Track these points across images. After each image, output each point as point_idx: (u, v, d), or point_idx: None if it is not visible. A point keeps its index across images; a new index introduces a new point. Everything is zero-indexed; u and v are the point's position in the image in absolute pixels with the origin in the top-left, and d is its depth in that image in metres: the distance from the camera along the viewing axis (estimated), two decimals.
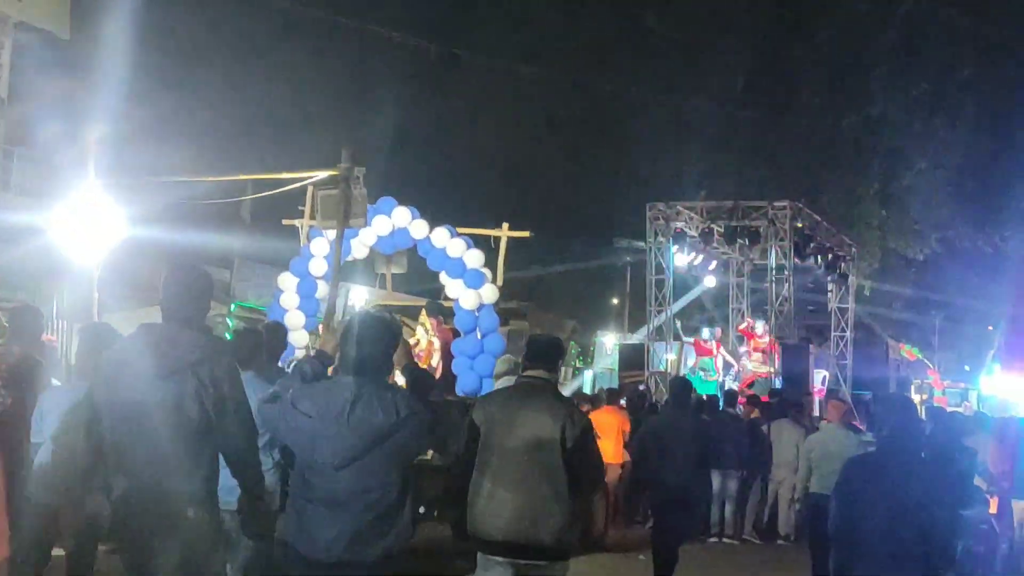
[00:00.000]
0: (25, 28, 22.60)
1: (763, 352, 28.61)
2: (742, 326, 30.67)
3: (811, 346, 30.60)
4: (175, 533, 6.03)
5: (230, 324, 24.45)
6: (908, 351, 42.86)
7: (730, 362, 28.79)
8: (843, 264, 33.28)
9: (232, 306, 27.22)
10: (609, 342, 35.14)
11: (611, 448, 16.10)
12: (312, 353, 6.66)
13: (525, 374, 7.89)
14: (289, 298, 18.83)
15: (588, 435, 7.66)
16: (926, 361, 45.27)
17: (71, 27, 22.86)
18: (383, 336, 6.20)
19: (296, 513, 6.11)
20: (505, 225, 19.50)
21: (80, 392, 7.18)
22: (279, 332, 10.83)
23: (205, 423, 6.13)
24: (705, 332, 29.47)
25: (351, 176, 16.28)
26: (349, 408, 5.96)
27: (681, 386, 13.06)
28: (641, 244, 30.72)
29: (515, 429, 7.51)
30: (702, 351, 28.61)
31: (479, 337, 18.06)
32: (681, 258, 30.13)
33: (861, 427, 17.13)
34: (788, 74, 38.43)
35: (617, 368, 30.89)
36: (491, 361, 17.41)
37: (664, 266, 30.21)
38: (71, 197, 16.67)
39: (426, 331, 18.40)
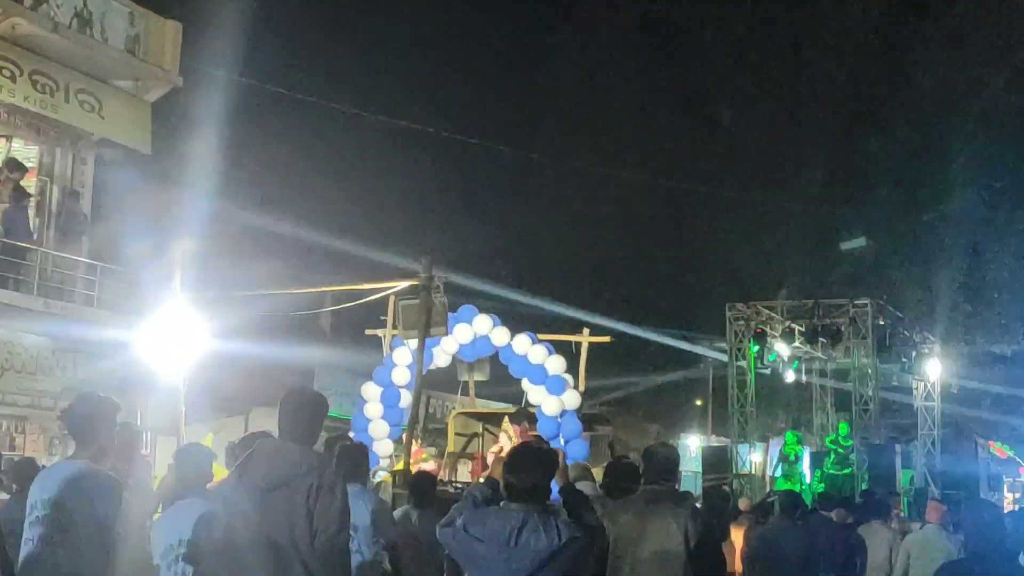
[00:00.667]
0: (107, 144, 23.26)
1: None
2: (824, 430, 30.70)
3: (897, 445, 30.42)
4: None
5: None
6: (999, 448, 42.36)
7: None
8: (928, 361, 33.11)
9: None
10: (693, 444, 35.16)
11: None
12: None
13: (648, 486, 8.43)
14: (373, 407, 19.15)
15: (710, 534, 8.27)
16: (1017, 459, 44.68)
17: (153, 142, 23.48)
18: (544, 465, 6.60)
19: None
20: (586, 331, 19.80)
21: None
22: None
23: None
24: (789, 436, 29.45)
25: (431, 285, 16.73)
26: (516, 534, 6.37)
27: (790, 499, 13.20)
28: (723, 344, 30.76)
29: (644, 541, 8.08)
30: (784, 456, 28.60)
31: (562, 443, 18.22)
32: (763, 358, 30.20)
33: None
34: (866, 169, 38.70)
35: (701, 471, 30.85)
36: None
37: (746, 367, 30.26)
38: (158, 311, 17.18)
39: (509, 438, 18.61)
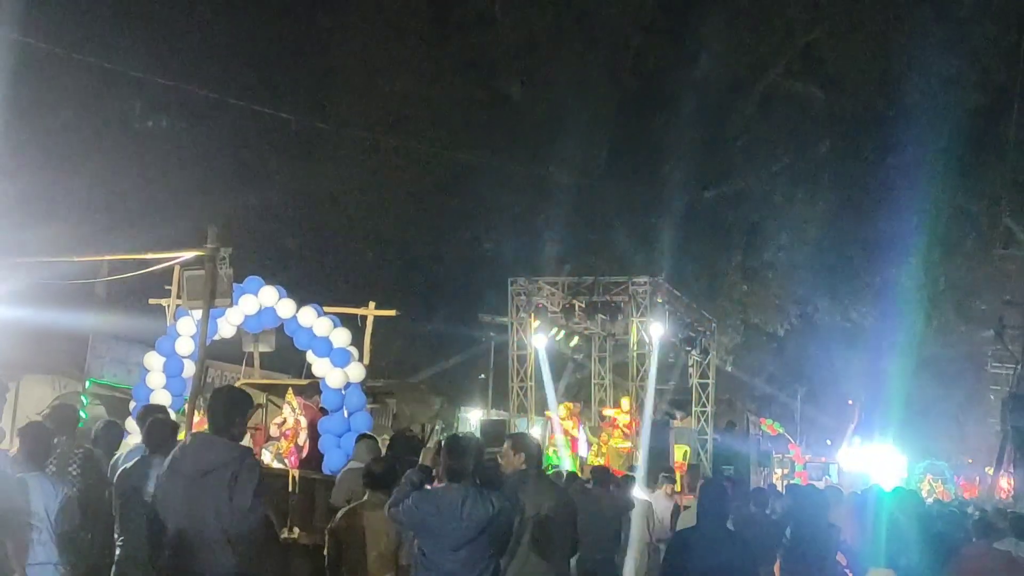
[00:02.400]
0: None
1: (625, 428, 29.66)
2: (609, 412, 31.83)
3: (672, 421, 31.72)
4: None
5: (84, 401, 24.73)
6: (769, 426, 44.31)
7: (590, 439, 29.78)
8: (703, 339, 34.50)
9: (87, 383, 27.47)
10: (473, 418, 35.96)
11: None
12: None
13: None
14: (155, 377, 19.37)
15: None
16: (787, 436, 46.80)
17: None
18: (475, 453, 9.10)
19: None
20: (371, 304, 20.35)
21: None
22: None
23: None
24: (562, 410, 30.46)
25: (217, 256, 17.07)
26: (462, 506, 8.66)
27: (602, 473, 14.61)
28: (504, 319, 31.57)
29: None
30: (560, 427, 29.55)
31: (346, 415, 18.80)
32: (542, 335, 31.10)
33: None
34: (650, 147, 39.95)
35: None
36: None
37: (526, 341, 31.16)
38: None
39: (293, 409, 19.13)
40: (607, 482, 17.68)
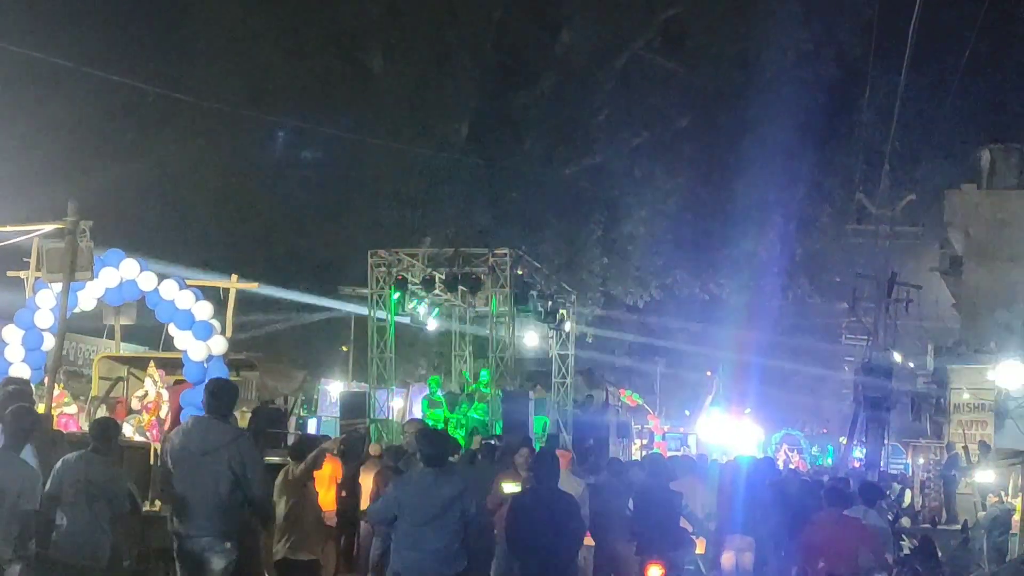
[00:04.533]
0: None
1: (487, 401, 30.32)
2: (464, 373, 32.45)
3: (531, 393, 32.40)
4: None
5: None
6: (629, 397, 45.26)
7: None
8: (563, 311, 35.18)
9: None
10: (334, 390, 36.33)
11: (325, 495, 16.88)
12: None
13: None
14: (14, 351, 19.57)
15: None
16: (646, 407, 47.82)
17: None
18: (447, 442, 12.30)
19: (400, 555, 11.05)
20: (234, 276, 20.73)
21: None
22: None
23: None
24: (432, 382, 31.00)
25: (77, 229, 17.34)
26: (433, 487, 10.89)
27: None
28: (365, 291, 31.92)
29: None
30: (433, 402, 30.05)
31: None
32: (402, 305, 31.56)
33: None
34: (512, 121, 40.52)
35: (339, 415, 31.90)
36: None
37: (385, 313, 31.58)
38: None
39: (154, 383, 19.50)
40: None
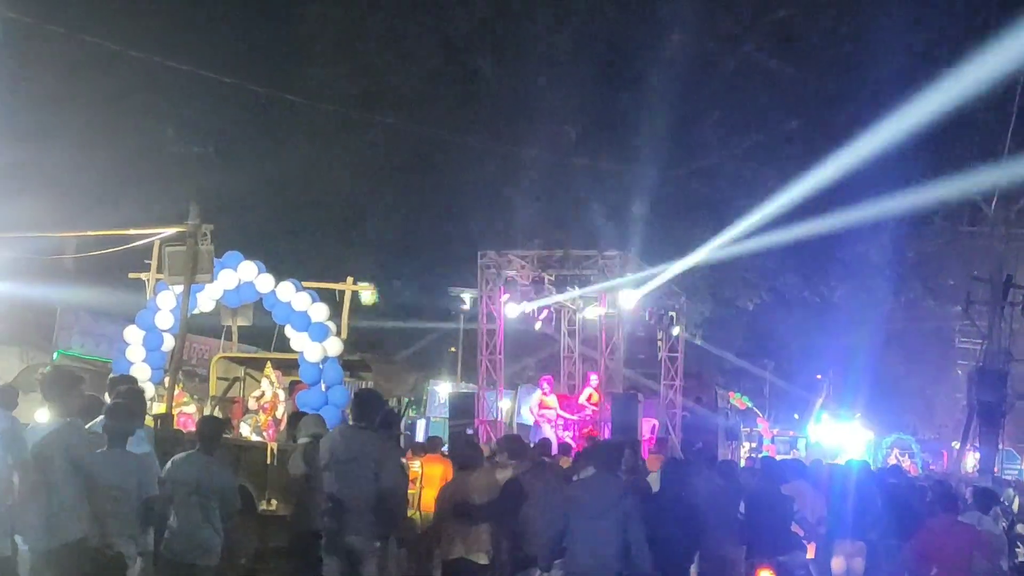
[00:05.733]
0: None
1: (596, 402, 30.41)
2: (573, 372, 32.52)
3: (639, 395, 32.41)
4: None
5: None
6: (738, 399, 45.13)
7: (564, 413, 30.49)
8: (673, 313, 35.13)
9: (55, 355, 28.00)
10: (443, 391, 36.57)
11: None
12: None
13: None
14: (135, 351, 20.11)
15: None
16: (756, 410, 47.65)
17: None
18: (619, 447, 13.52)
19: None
20: (349, 279, 21.10)
21: None
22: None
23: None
24: (544, 385, 31.11)
25: (199, 232, 17.83)
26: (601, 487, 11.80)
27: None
28: (474, 293, 32.11)
29: None
30: (544, 404, 30.20)
31: (323, 389, 19.56)
32: (513, 307, 31.73)
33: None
34: (621, 122, 40.51)
35: (448, 416, 32.12)
36: (336, 413, 19.02)
37: (495, 314, 31.76)
38: None
39: (271, 383, 19.91)
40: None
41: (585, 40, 40.13)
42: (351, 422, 12.23)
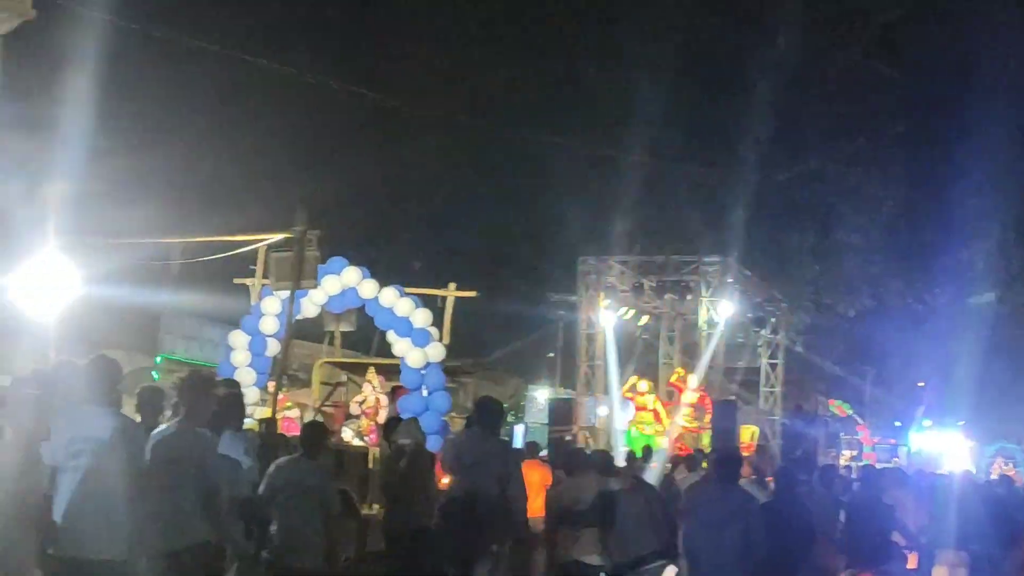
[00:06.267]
0: None
1: (693, 407, 30.35)
2: (673, 379, 32.44)
3: (739, 402, 32.30)
4: None
5: (155, 377, 25.57)
6: (838, 407, 44.76)
7: (665, 418, 30.47)
8: (774, 319, 34.98)
9: (158, 358, 28.40)
10: (542, 396, 36.67)
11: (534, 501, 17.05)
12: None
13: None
14: (240, 355, 20.37)
15: None
16: (856, 417, 47.21)
17: (6, 79, 23.73)
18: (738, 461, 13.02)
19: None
20: (452, 285, 21.23)
21: None
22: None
23: None
24: (642, 385, 31.06)
25: (304, 238, 17.98)
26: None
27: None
28: (573, 298, 32.16)
29: None
30: (639, 406, 30.20)
31: (425, 394, 19.69)
32: (612, 312, 31.71)
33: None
34: (724, 127, 40.30)
35: (548, 423, 32.20)
36: (438, 418, 19.17)
37: (594, 320, 31.77)
38: (30, 257, 18.16)
39: (373, 388, 20.10)
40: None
41: (687, 43, 39.97)
42: (475, 428, 12.50)
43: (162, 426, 9.38)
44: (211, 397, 9.81)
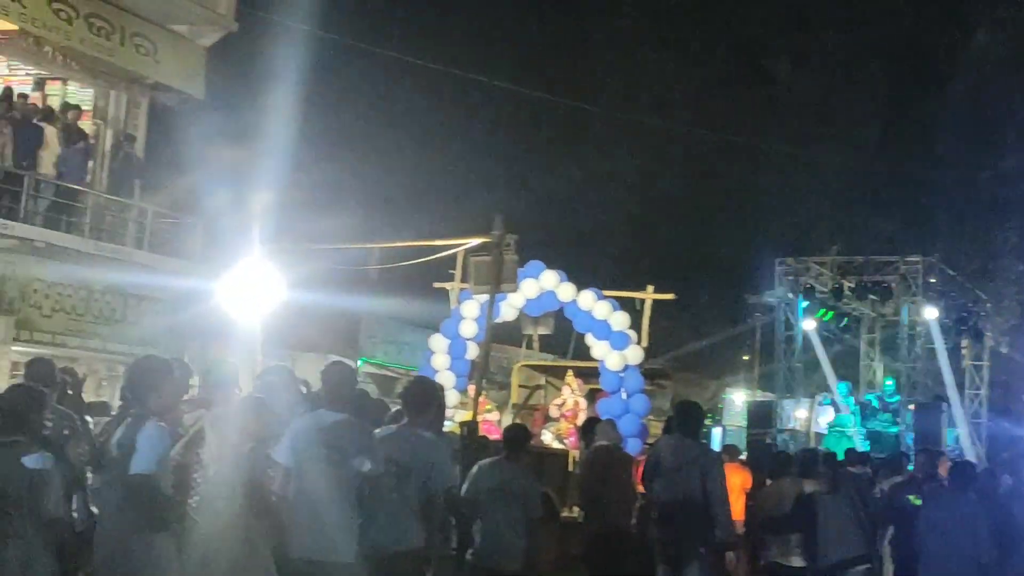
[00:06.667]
0: (161, 88, 24.21)
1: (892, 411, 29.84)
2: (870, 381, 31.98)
3: (943, 404, 31.62)
4: None
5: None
6: None
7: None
8: (978, 320, 34.16)
9: (359, 362, 28.82)
10: (739, 399, 36.41)
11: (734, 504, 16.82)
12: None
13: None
14: (440, 359, 20.57)
15: None
16: None
17: (209, 89, 24.41)
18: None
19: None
20: (650, 288, 21.10)
21: None
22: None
23: None
24: (843, 388, 30.62)
25: (503, 243, 18.06)
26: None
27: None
28: (772, 300, 31.86)
29: None
30: (838, 409, 29.79)
31: (624, 397, 19.63)
32: (811, 314, 31.32)
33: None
34: (924, 125, 39.60)
35: (747, 425, 31.96)
36: (636, 421, 19.10)
37: (793, 322, 31.42)
38: (237, 263, 18.67)
39: (572, 391, 20.09)
40: None
41: (885, 42, 39.39)
42: (675, 433, 12.20)
43: (384, 428, 9.45)
44: (435, 404, 9.83)
